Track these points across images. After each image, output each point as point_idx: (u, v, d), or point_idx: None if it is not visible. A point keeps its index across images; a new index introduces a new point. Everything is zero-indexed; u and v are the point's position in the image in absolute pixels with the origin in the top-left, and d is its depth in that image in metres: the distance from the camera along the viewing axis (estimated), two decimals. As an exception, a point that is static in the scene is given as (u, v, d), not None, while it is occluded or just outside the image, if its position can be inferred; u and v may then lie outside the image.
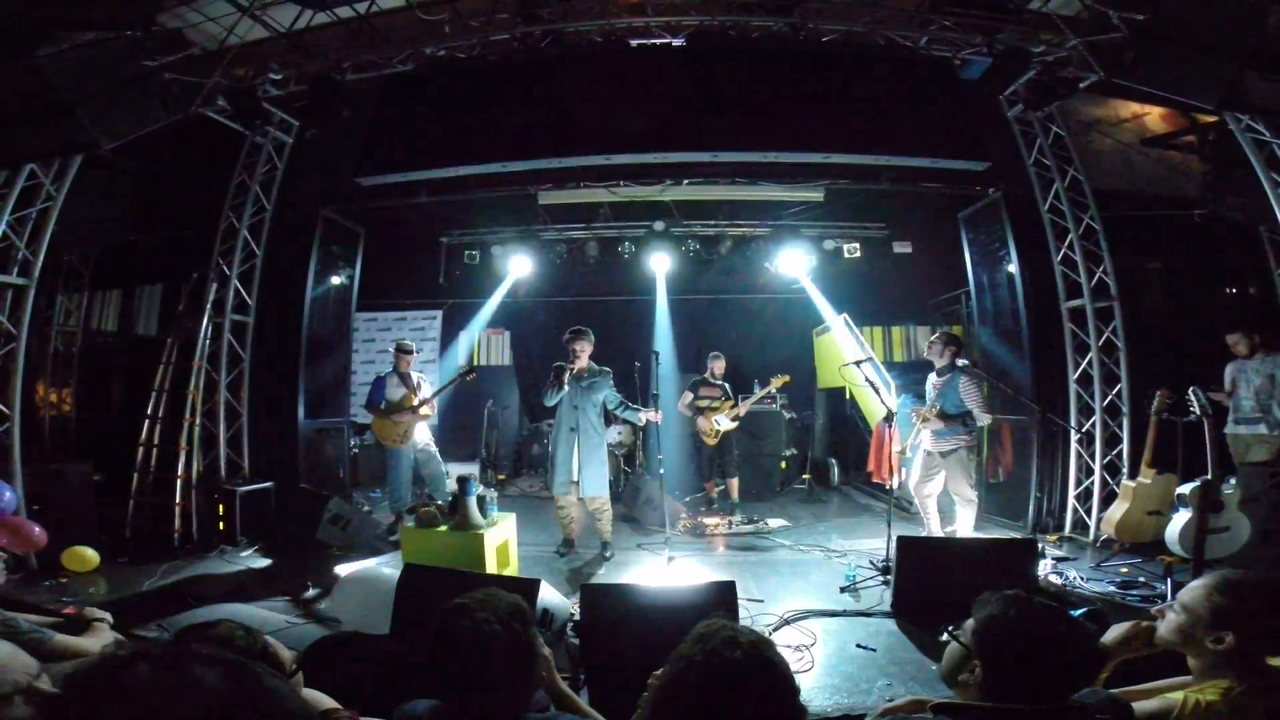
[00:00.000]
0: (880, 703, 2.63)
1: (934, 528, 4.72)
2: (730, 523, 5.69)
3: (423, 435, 5.40)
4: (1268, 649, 1.38)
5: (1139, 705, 1.37)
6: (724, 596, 2.93)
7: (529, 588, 2.91)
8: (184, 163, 5.76)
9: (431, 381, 6.18)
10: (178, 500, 5.18)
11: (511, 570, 4.28)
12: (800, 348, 8.61)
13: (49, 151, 4.10)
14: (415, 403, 5.26)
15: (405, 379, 5.37)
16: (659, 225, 7.50)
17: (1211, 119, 5.34)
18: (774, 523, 5.75)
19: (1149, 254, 6.62)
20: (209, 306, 5.45)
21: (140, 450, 5.35)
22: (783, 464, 7.61)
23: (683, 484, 6.99)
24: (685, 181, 6.42)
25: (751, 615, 3.55)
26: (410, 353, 5.46)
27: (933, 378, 4.72)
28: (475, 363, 9.09)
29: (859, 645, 3.23)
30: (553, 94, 4.80)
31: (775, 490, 7.20)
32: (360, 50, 4.84)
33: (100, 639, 2.37)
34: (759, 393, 6.46)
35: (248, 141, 5.54)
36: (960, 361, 4.65)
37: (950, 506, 4.69)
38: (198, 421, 5.41)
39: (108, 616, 2.53)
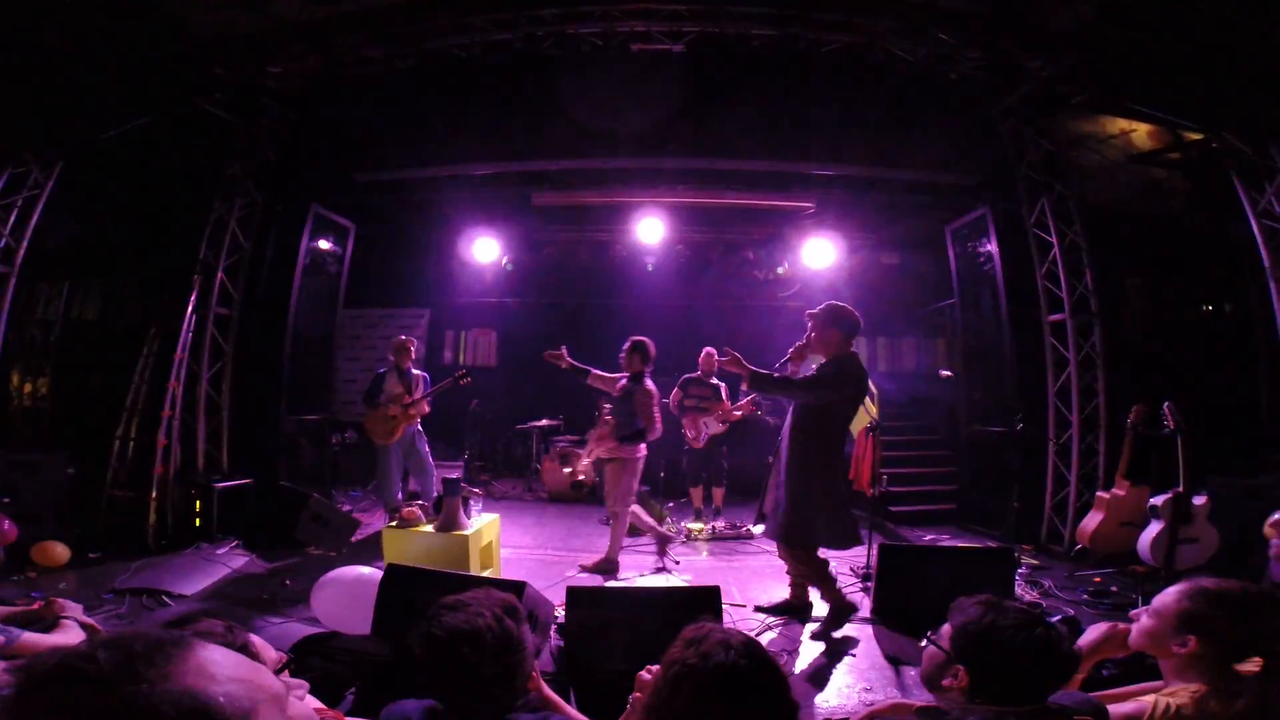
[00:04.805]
0: (860, 707, 2.66)
1: (647, 524, 4.79)
2: (714, 528, 5.70)
3: (412, 434, 5.33)
4: (1235, 655, 1.42)
5: (1113, 708, 1.41)
6: (708, 601, 2.94)
7: (514, 590, 2.90)
8: (174, 153, 5.68)
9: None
10: (154, 495, 5.08)
11: (494, 572, 4.26)
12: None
13: (43, 138, 4.03)
14: (406, 401, 5.20)
15: (404, 376, 5.30)
16: (651, 229, 7.52)
17: (1196, 137, 5.48)
18: (757, 529, 5.77)
19: (1130, 270, 6.76)
20: (193, 298, 5.37)
21: (117, 443, 5.25)
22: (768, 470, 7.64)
23: (668, 488, 6.99)
24: (679, 186, 6.45)
25: (734, 620, 3.57)
26: (407, 347, 5.39)
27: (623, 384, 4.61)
28: (461, 362, 9.05)
29: (840, 651, 3.25)
30: (551, 96, 4.82)
31: (758, 496, 7.21)
32: (361, 45, 4.81)
33: (69, 637, 2.31)
34: (749, 397, 6.39)
35: (242, 134, 5.48)
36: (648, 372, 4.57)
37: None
38: (177, 415, 5.32)
39: (79, 609, 2.48)
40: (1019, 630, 1.27)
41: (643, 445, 4.50)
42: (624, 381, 4.54)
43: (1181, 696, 1.38)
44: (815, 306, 3.64)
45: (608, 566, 4.49)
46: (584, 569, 4.52)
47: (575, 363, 4.62)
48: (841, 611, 3.47)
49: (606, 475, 4.62)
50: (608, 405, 4.66)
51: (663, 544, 4.80)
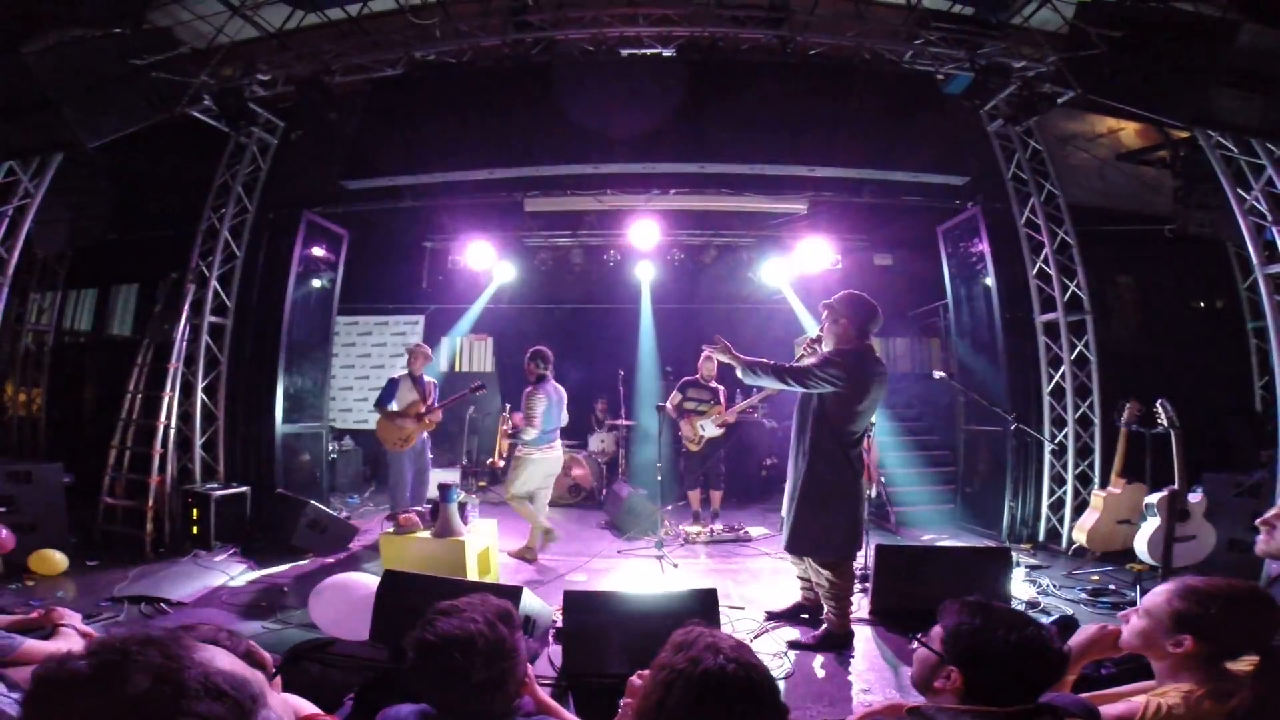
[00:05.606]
0: (858, 708, 2.66)
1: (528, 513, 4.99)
2: (711, 531, 5.70)
3: (422, 441, 5.34)
4: (1227, 654, 1.43)
5: (1105, 709, 1.41)
6: (706, 603, 2.95)
7: (511, 595, 2.90)
8: (165, 162, 5.68)
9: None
10: (150, 503, 5.06)
11: (492, 577, 4.26)
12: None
13: (31, 148, 4.02)
14: (421, 410, 5.20)
15: (418, 383, 5.29)
16: (645, 233, 7.54)
17: (1184, 135, 5.51)
18: (755, 531, 5.78)
19: (1121, 268, 6.81)
20: (187, 307, 5.36)
21: (113, 452, 5.24)
22: (763, 472, 7.66)
23: (665, 491, 6.98)
24: (672, 191, 6.47)
25: (732, 622, 3.57)
26: (423, 353, 5.39)
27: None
28: (457, 368, 9.04)
29: (838, 651, 3.26)
30: (542, 101, 4.82)
31: (756, 498, 7.24)
32: (350, 52, 4.82)
33: (69, 643, 2.31)
34: (746, 401, 6.35)
35: (232, 142, 5.48)
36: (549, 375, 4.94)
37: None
38: (173, 424, 5.30)
39: (78, 618, 2.48)
40: (1010, 631, 1.28)
41: (535, 449, 4.81)
42: (528, 388, 4.85)
43: (1174, 696, 1.38)
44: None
45: (527, 553, 4.89)
46: (510, 554, 4.86)
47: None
48: (841, 639, 3.28)
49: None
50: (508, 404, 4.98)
51: (546, 537, 4.97)
